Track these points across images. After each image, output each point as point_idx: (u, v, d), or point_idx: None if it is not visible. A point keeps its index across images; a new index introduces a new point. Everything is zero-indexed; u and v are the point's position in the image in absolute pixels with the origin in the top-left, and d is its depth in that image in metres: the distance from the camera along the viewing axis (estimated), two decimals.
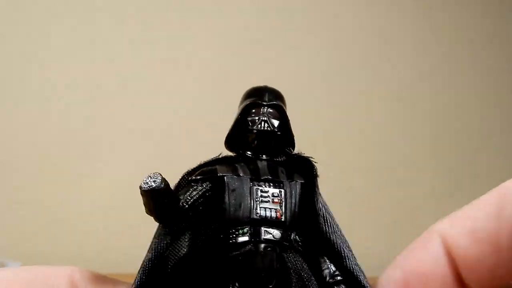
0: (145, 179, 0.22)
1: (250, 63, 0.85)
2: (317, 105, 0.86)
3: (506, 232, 0.20)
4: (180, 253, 0.23)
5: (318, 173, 0.25)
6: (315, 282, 0.23)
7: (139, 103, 0.81)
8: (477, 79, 0.96)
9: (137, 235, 0.80)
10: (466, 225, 0.21)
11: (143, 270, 0.23)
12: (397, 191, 0.89)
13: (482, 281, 0.21)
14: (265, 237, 0.22)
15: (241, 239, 0.22)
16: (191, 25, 0.84)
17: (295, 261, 0.23)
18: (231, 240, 0.22)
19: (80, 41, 0.80)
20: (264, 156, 0.25)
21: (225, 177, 0.24)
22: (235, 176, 0.24)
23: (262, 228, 0.23)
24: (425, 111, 0.93)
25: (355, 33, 0.91)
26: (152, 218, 0.23)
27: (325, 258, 0.24)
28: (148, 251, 0.23)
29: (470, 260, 0.20)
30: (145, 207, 0.22)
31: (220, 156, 0.26)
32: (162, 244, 0.23)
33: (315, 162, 0.25)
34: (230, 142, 0.26)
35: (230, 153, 0.26)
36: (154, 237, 0.24)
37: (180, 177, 0.25)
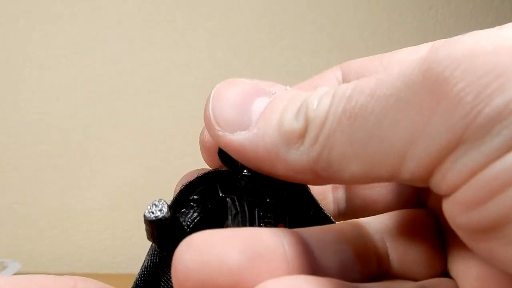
0: (149, 207, 0.21)
1: (251, 63, 0.85)
2: None
3: None
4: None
5: (314, 196, 0.24)
6: None
7: (139, 103, 0.81)
8: None
9: (137, 235, 0.80)
10: None
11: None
12: None
13: None
14: None
15: None
16: (191, 25, 0.84)
17: None
18: None
19: (80, 40, 0.80)
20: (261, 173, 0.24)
21: (228, 199, 0.23)
22: (237, 198, 0.23)
23: None
24: None
25: (355, 33, 0.91)
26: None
27: None
28: (140, 269, 0.23)
29: None
30: (148, 234, 0.21)
31: (219, 169, 0.24)
32: (154, 261, 0.23)
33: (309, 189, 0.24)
34: (223, 157, 0.25)
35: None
36: (147, 254, 0.23)
37: (178, 193, 0.23)
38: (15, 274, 0.62)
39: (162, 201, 0.21)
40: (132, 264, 0.78)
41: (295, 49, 0.88)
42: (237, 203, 0.22)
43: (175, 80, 0.83)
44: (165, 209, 0.20)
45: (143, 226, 0.22)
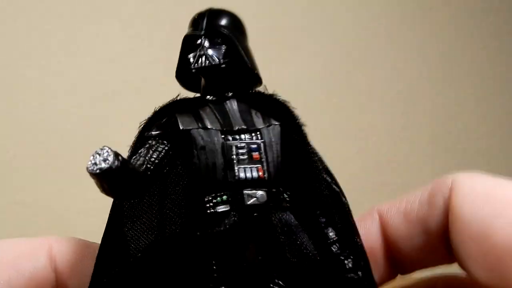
0: (92, 158, 0.17)
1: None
2: (316, 104, 0.86)
3: (434, 218, 0.21)
4: (145, 234, 0.19)
5: (299, 119, 0.20)
6: (307, 241, 0.19)
7: (139, 102, 0.81)
8: (477, 79, 0.96)
9: None
10: (401, 207, 0.23)
11: (100, 252, 0.19)
12: (397, 193, 0.89)
13: (410, 261, 0.22)
14: (249, 203, 0.18)
15: (221, 208, 0.18)
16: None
17: (284, 221, 0.19)
18: (209, 210, 0.18)
19: (80, 40, 0.80)
20: (229, 93, 0.20)
21: (191, 132, 0.19)
22: (202, 130, 0.19)
23: (244, 191, 0.18)
24: (425, 111, 0.93)
25: (355, 33, 0.91)
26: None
27: (318, 212, 0.20)
28: (105, 226, 0.20)
29: (400, 238, 0.22)
30: (99, 188, 0.17)
31: (178, 98, 0.20)
32: (115, 214, 0.19)
33: (293, 108, 0.20)
34: (187, 84, 0.21)
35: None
36: (110, 210, 0.20)
37: (137, 133, 0.20)
38: None
39: (106, 148, 0.18)
40: None
41: (295, 49, 0.88)
42: (202, 135, 0.19)
43: (175, 80, 0.83)
44: (110, 158, 0.17)
45: None
